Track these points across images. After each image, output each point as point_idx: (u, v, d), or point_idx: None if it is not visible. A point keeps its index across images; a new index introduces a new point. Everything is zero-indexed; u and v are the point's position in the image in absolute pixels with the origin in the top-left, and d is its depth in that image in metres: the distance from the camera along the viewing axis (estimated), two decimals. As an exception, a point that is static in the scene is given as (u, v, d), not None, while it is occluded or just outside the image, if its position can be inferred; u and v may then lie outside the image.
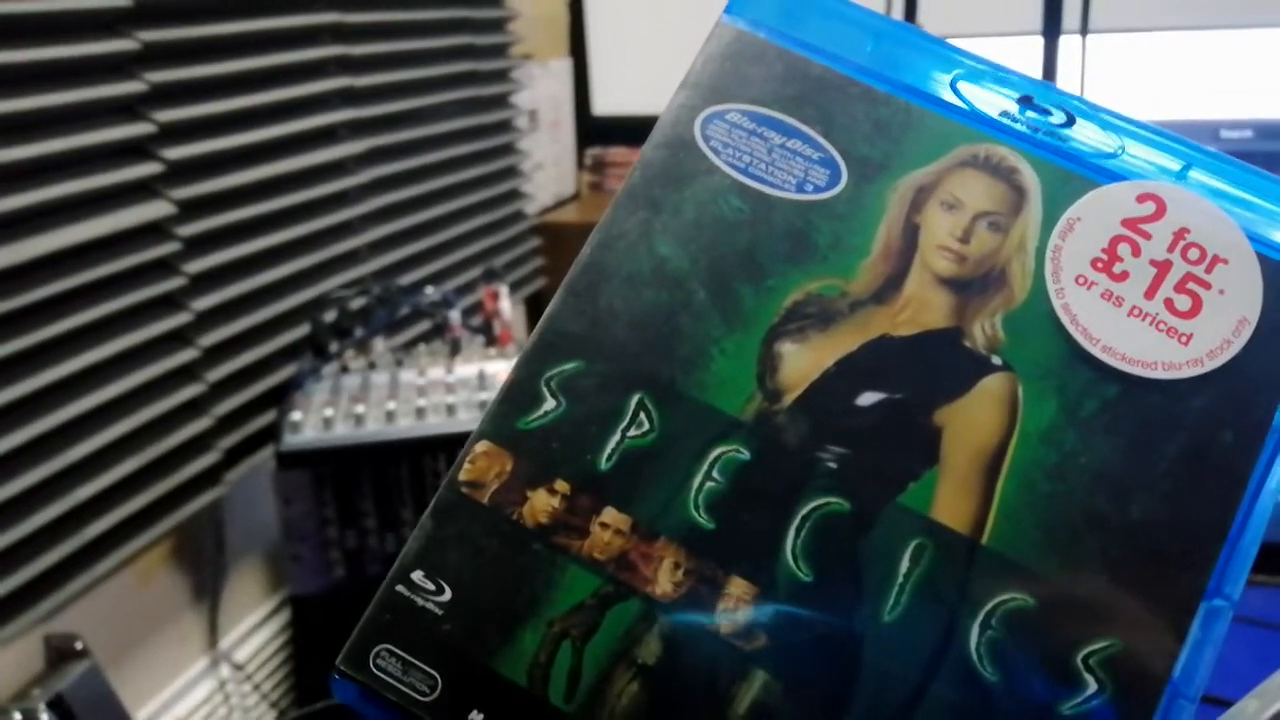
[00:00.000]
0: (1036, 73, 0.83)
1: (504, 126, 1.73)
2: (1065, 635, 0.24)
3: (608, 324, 0.27)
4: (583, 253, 0.28)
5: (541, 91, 1.99)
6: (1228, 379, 0.25)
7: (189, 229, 1.09)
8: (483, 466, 0.26)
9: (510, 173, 1.75)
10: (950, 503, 0.25)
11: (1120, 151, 0.27)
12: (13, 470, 0.93)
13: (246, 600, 1.31)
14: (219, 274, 1.14)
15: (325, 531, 1.10)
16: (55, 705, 0.98)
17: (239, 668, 1.27)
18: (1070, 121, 0.28)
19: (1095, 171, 0.27)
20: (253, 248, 1.18)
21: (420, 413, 1.09)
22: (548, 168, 2.03)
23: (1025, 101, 0.28)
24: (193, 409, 1.12)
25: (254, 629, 1.31)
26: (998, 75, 0.28)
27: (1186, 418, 0.25)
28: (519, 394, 0.26)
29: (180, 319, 1.09)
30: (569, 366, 0.26)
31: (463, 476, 0.26)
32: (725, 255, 0.27)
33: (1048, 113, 0.28)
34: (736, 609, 0.24)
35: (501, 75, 1.71)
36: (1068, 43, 1.22)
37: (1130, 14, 1.51)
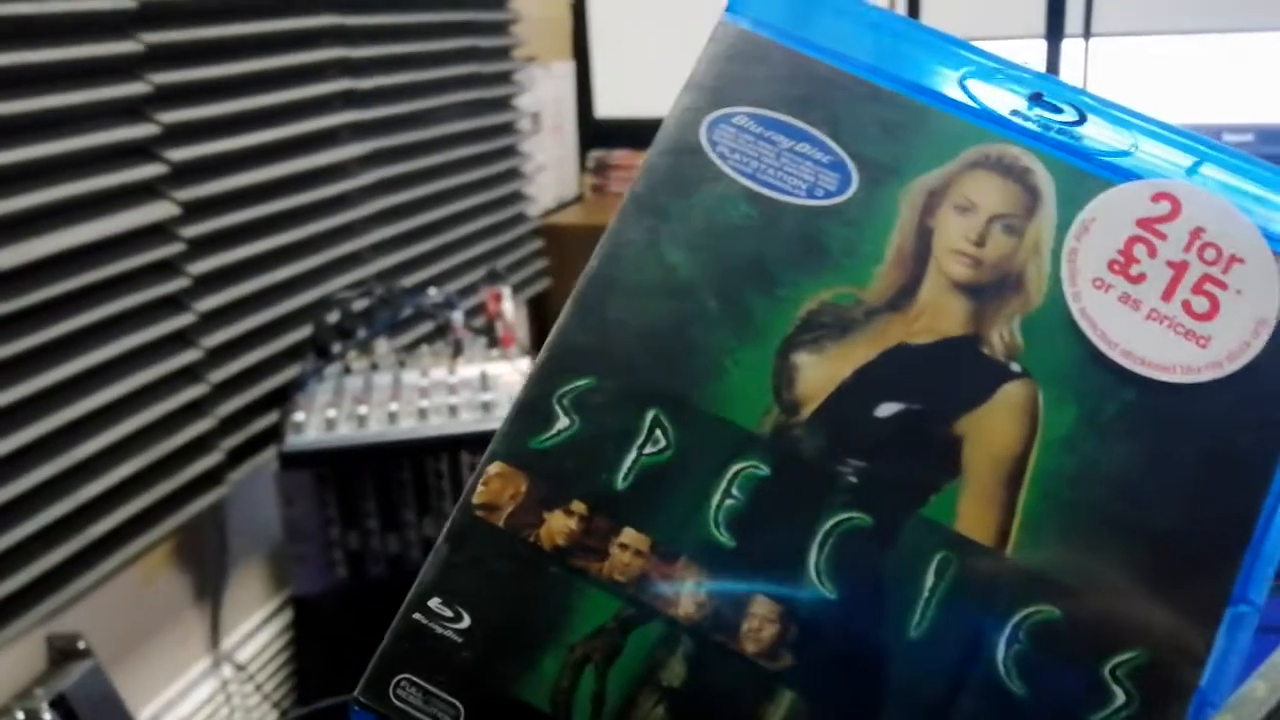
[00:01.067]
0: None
1: (507, 129, 1.73)
2: (1093, 647, 0.23)
3: (618, 337, 0.26)
4: (590, 264, 0.27)
5: (544, 94, 1.99)
6: (1247, 382, 0.25)
7: (193, 230, 1.10)
8: (497, 488, 0.25)
9: (513, 175, 1.75)
10: (973, 514, 0.24)
11: (1133, 149, 0.27)
12: (17, 470, 0.93)
13: (249, 600, 1.31)
14: (222, 275, 1.15)
15: (328, 532, 1.10)
16: (58, 705, 0.98)
17: (241, 668, 1.27)
18: (1082, 119, 0.27)
19: (1109, 170, 0.26)
20: (256, 249, 1.18)
21: (423, 414, 1.09)
22: (550, 170, 2.03)
23: (1036, 99, 0.27)
24: (196, 410, 1.12)
25: (256, 629, 1.31)
26: (1008, 72, 0.27)
27: (1206, 422, 0.24)
28: (531, 413, 0.26)
29: (184, 320, 1.09)
30: (581, 383, 0.26)
31: (477, 499, 0.25)
32: (736, 264, 0.26)
33: (1059, 110, 0.27)
34: (761, 628, 0.24)
35: (504, 78, 1.72)
36: (1070, 46, 1.22)
37: (1133, 17, 1.51)
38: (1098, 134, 0.27)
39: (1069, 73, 1.21)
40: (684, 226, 0.27)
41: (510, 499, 0.25)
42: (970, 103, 0.27)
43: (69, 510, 0.98)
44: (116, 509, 1.03)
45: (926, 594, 0.24)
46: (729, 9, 0.29)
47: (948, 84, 0.27)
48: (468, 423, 1.09)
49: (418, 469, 1.11)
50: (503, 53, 1.71)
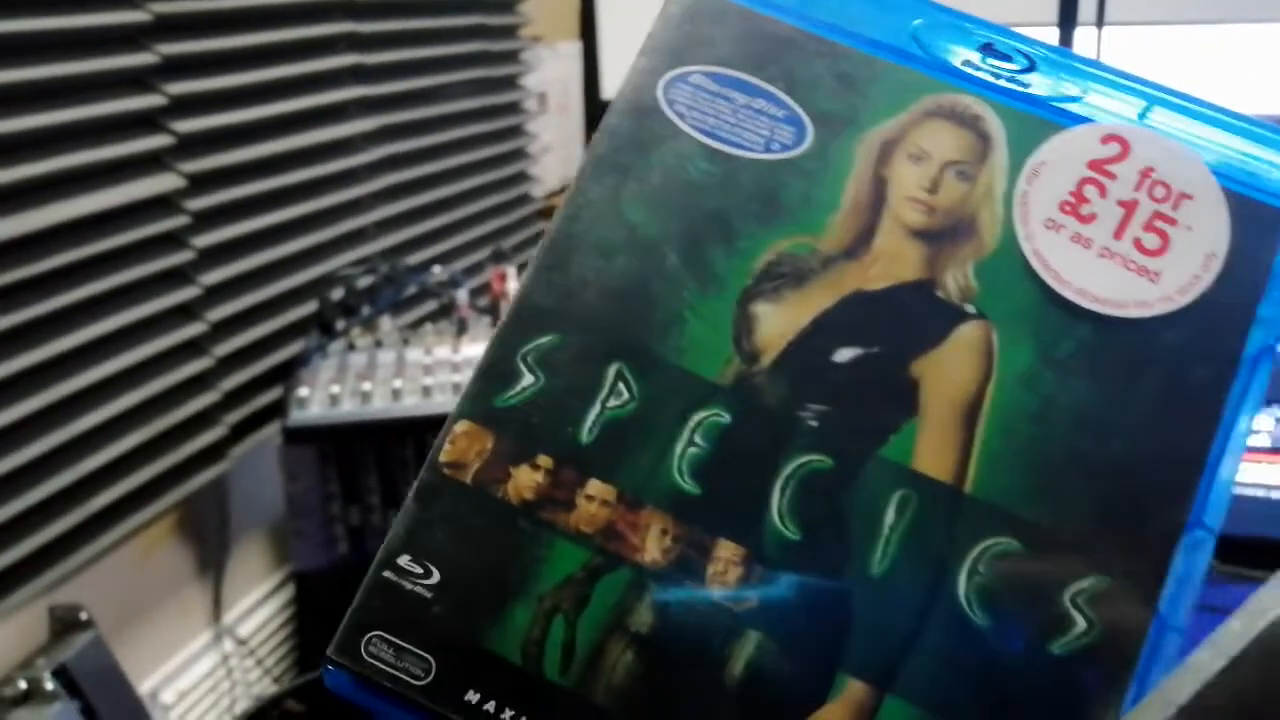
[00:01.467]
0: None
1: (513, 108, 1.73)
2: (1052, 576, 0.24)
3: (581, 295, 0.26)
4: (551, 224, 0.28)
5: (550, 74, 1.98)
6: (1198, 314, 0.25)
7: (198, 203, 1.09)
8: (463, 446, 0.26)
9: (518, 155, 1.75)
10: (932, 453, 0.25)
11: (1083, 95, 0.27)
12: (20, 440, 0.93)
13: (250, 575, 1.31)
14: (227, 249, 1.14)
15: (329, 508, 1.10)
16: (60, 675, 0.98)
17: (242, 642, 1.28)
18: (1032, 66, 0.28)
19: (1059, 115, 0.27)
20: (261, 223, 1.18)
21: (426, 391, 1.09)
22: (556, 151, 2.02)
23: (987, 49, 0.28)
24: (199, 383, 1.12)
25: (257, 604, 1.32)
26: (957, 24, 0.28)
27: (1160, 354, 0.25)
28: (496, 371, 0.26)
29: (188, 293, 1.09)
30: (544, 340, 0.26)
31: (443, 458, 0.26)
32: (695, 218, 0.27)
33: (1009, 58, 0.28)
34: (726, 571, 0.24)
35: (511, 56, 1.71)
36: (1083, 35, 1.21)
37: (1146, 6, 1.50)
38: (1047, 82, 0.27)
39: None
40: (643, 184, 0.27)
41: (477, 456, 0.25)
42: (922, 55, 0.28)
43: (71, 482, 0.97)
44: (119, 481, 1.03)
45: (887, 532, 0.24)
46: None
47: (900, 38, 0.28)
48: (472, 401, 1.09)
49: (420, 446, 1.11)
50: (510, 31, 1.70)
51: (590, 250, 0.27)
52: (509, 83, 1.71)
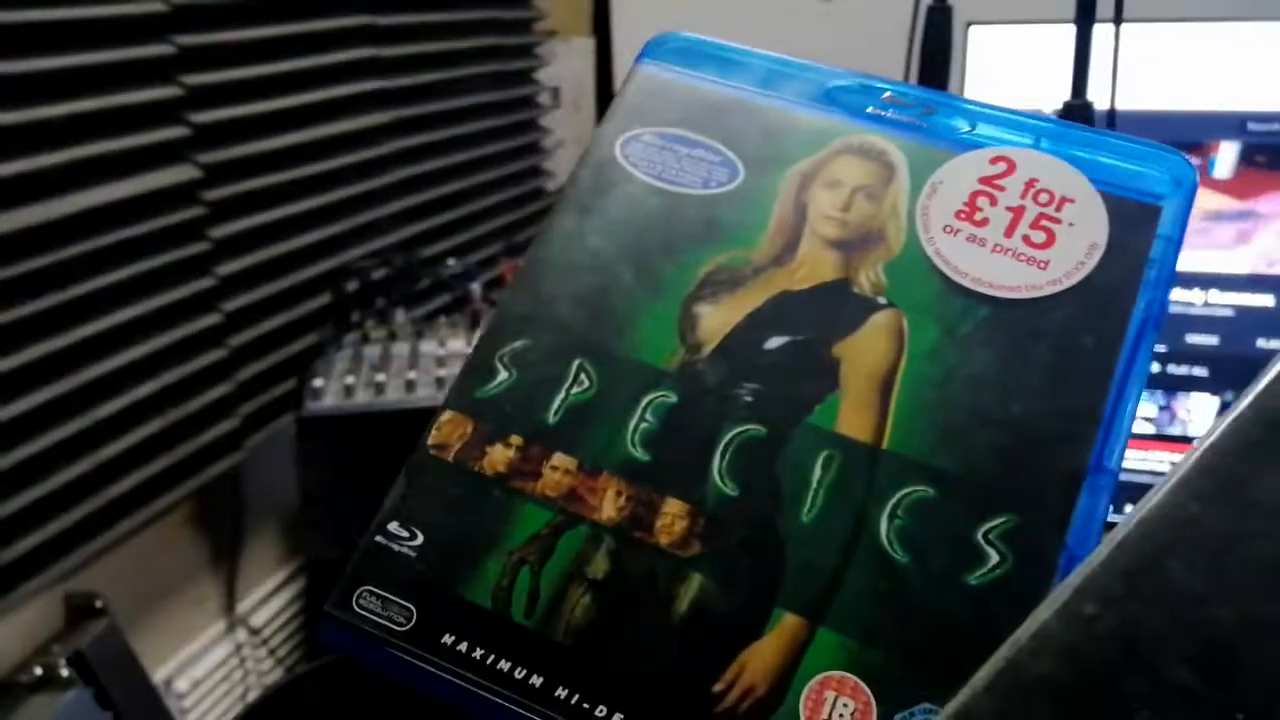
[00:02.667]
0: (1068, 61, 0.84)
1: (527, 103, 1.73)
2: (965, 516, 0.26)
3: (550, 306, 0.31)
4: (528, 250, 0.32)
5: (564, 69, 1.98)
6: (1085, 292, 0.29)
7: (215, 194, 1.10)
8: (447, 431, 0.29)
9: (532, 149, 1.75)
10: (852, 417, 0.28)
11: (973, 128, 0.32)
12: (38, 428, 0.93)
13: (264, 565, 1.32)
14: (243, 240, 1.15)
15: (343, 498, 1.10)
16: (75, 662, 0.99)
17: (255, 632, 1.28)
18: (931, 112, 0.32)
19: (954, 144, 0.32)
20: (277, 215, 1.18)
21: (440, 383, 1.09)
22: (569, 147, 2.02)
23: (889, 100, 0.33)
24: (215, 374, 1.13)
25: (271, 594, 1.32)
26: (863, 84, 0.34)
27: (1052, 326, 0.28)
28: (476, 370, 0.30)
29: (205, 283, 1.09)
30: (518, 344, 0.30)
31: (430, 440, 0.29)
32: (647, 242, 0.32)
33: (910, 108, 0.33)
34: (673, 524, 0.27)
35: (526, 51, 1.71)
36: (1101, 31, 1.20)
37: (1165, 3, 1.49)
38: (944, 122, 0.32)
39: (1099, 57, 1.19)
40: (603, 218, 0.32)
41: (458, 439, 0.29)
42: (836, 106, 0.33)
43: (89, 469, 0.98)
44: (135, 470, 1.04)
45: (815, 485, 0.27)
46: (639, 58, 0.36)
47: (818, 94, 0.34)
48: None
49: (435, 438, 1.11)
50: (524, 25, 1.70)
51: (559, 270, 0.32)
52: (523, 77, 1.71)
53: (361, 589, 0.27)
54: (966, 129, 0.32)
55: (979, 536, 0.26)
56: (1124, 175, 0.30)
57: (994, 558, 0.26)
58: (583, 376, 0.30)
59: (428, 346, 1.17)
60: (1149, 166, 0.30)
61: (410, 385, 1.09)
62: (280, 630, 1.33)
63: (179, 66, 1.05)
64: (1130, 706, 0.19)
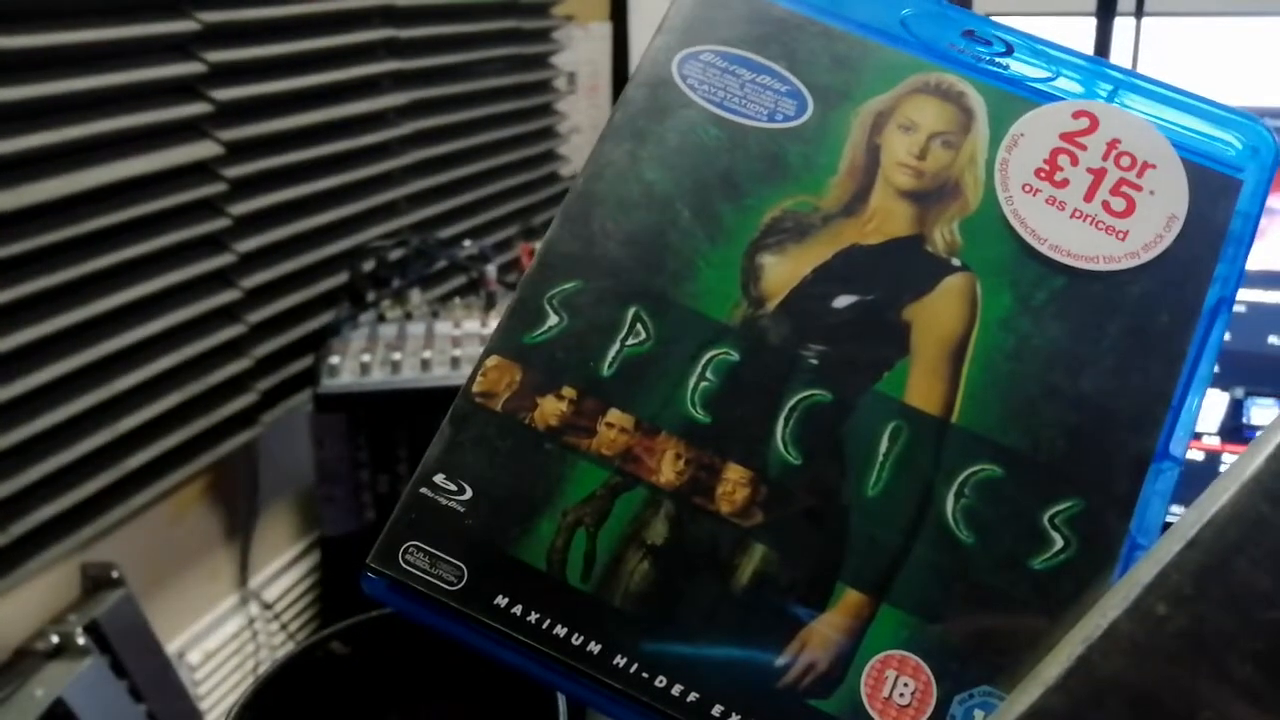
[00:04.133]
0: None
1: (543, 86, 1.73)
2: (1032, 499, 0.26)
3: (602, 245, 0.29)
4: (575, 183, 0.30)
5: (581, 54, 1.98)
6: (1162, 268, 0.28)
7: (235, 171, 1.10)
8: (494, 378, 0.27)
9: (548, 133, 1.75)
10: (921, 387, 0.27)
11: (1054, 77, 0.30)
12: (57, 400, 0.94)
13: (278, 540, 1.33)
14: (262, 217, 1.16)
15: (358, 475, 1.12)
16: (91, 631, 1.00)
17: (268, 606, 1.30)
18: (1009, 51, 0.30)
19: (1033, 93, 0.30)
20: (296, 193, 1.19)
21: (455, 362, 1.10)
22: (585, 132, 2.03)
23: (968, 35, 0.31)
24: (233, 349, 1.14)
25: (284, 569, 1.34)
26: (942, 13, 0.31)
27: (1127, 302, 0.27)
28: (524, 312, 0.28)
29: (224, 259, 1.10)
30: (568, 285, 0.28)
31: (476, 388, 0.27)
32: (706, 178, 0.29)
33: (988, 44, 0.30)
34: (734, 491, 0.26)
35: (543, 34, 1.71)
36: (1122, 25, 1.20)
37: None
38: (1023, 64, 0.30)
39: (1119, 52, 1.19)
40: (659, 147, 0.30)
41: (506, 387, 0.27)
42: (910, 38, 0.31)
43: (106, 441, 0.99)
44: (153, 443, 1.05)
45: (881, 458, 0.26)
46: None
47: (889, 23, 0.31)
48: (500, 374, 1.09)
49: (448, 418, 1.12)
50: (541, 9, 1.70)
51: (610, 205, 0.29)
52: (540, 61, 1.71)
53: (408, 544, 0.26)
54: (1047, 75, 0.30)
55: (1045, 520, 0.25)
56: (1206, 143, 0.29)
57: (1059, 542, 0.25)
58: (639, 327, 0.28)
59: (443, 327, 1.18)
60: (1229, 131, 0.29)
61: (425, 364, 1.10)
62: (293, 605, 1.34)
63: (202, 43, 1.05)
64: (1198, 707, 0.19)
